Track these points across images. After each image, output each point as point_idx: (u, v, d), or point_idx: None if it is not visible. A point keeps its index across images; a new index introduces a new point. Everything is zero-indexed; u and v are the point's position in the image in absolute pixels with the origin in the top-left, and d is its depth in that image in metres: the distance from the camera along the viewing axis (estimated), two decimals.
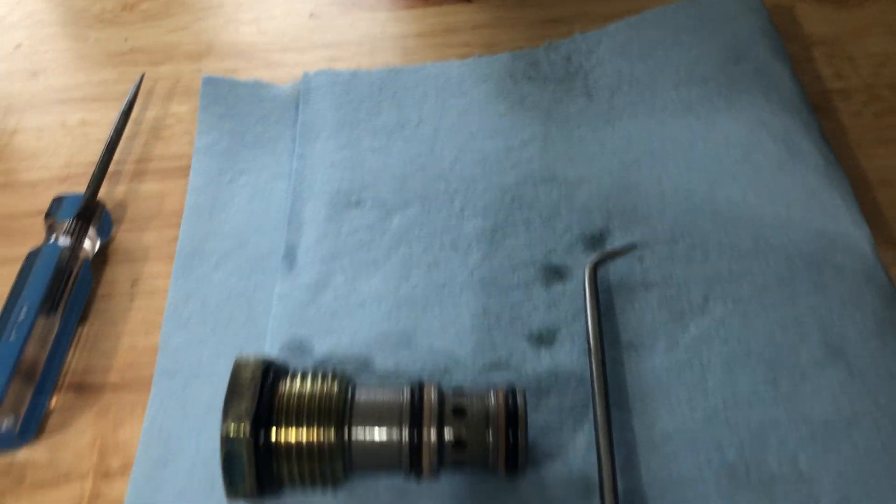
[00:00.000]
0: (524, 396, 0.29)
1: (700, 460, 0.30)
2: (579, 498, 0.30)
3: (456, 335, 0.35)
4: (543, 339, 0.34)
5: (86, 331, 0.37)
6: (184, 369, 0.35)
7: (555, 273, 0.36)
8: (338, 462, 0.28)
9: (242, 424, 0.27)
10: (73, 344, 0.37)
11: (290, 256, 0.38)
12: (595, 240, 0.37)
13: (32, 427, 0.33)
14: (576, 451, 0.31)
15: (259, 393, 0.28)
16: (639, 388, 0.32)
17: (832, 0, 0.48)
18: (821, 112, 0.41)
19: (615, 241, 0.36)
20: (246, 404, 0.28)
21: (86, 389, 0.35)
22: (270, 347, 0.35)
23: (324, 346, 0.35)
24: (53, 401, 0.35)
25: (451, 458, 0.29)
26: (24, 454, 0.33)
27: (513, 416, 0.29)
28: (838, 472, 0.28)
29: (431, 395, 0.29)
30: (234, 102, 0.45)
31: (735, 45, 0.43)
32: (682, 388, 0.32)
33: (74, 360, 0.36)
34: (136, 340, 0.37)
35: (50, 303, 0.35)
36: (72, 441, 0.33)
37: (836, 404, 0.30)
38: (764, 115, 0.39)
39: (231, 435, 0.27)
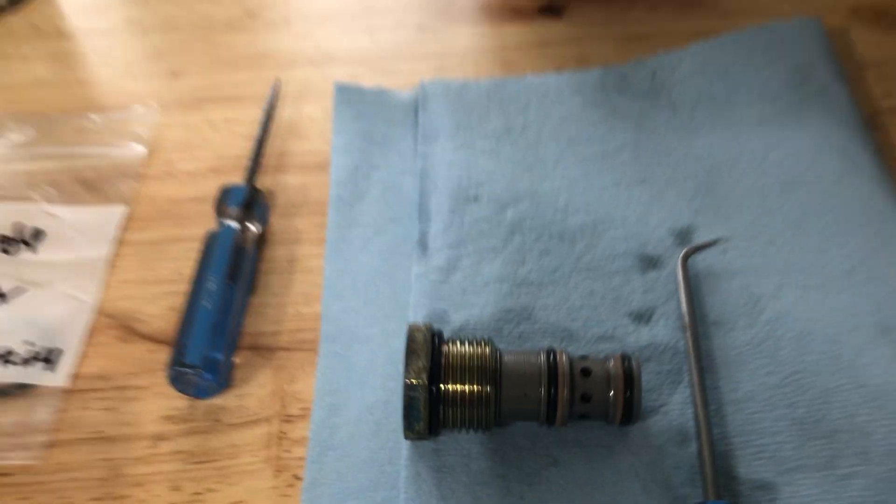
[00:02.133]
0: (638, 362, 0.36)
1: (775, 415, 0.37)
2: (676, 444, 0.37)
3: (568, 312, 0.42)
4: (642, 316, 0.42)
5: (255, 301, 0.45)
6: (344, 334, 0.42)
7: (649, 262, 0.43)
8: (490, 411, 0.36)
9: (422, 377, 0.35)
10: (247, 314, 0.44)
11: (422, 243, 0.45)
12: (683, 234, 0.44)
13: (226, 378, 0.41)
14: (673, 406, 0.38)
15: (431, 353, 0.36)
16: (723, 359, 0.39)
17: (882, 26, 0.54)
18: (874, 129, 0.48)
19: (701, 236, 0.44)
20: (423, 362, 0.35)
21: (261, 349, 0.43)
22: (414, 317, 0.42)
23: (459, 317, 0.42)
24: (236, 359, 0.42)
25: (578, 410, 0.36)
26: (217, 401, 0.41)
27: (629, 377, 0.36)
28: (890, 427, 0.36)
29: (563, 360, 0.37)
30: (362, 106, 0.52)
31: (801, 67, 0.50)
32: (760, 358, 0.39)
33: (248, 326, 0.44)
34: (299, 309, 0.44)
35: (231, 275, 0.43)
36: (255, 391, 0.41)
37: (887, 374, 0.37)
38: (826, 131, 0.46)
39: (413, 385, 0.35)
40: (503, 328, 0.42)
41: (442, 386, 0.36)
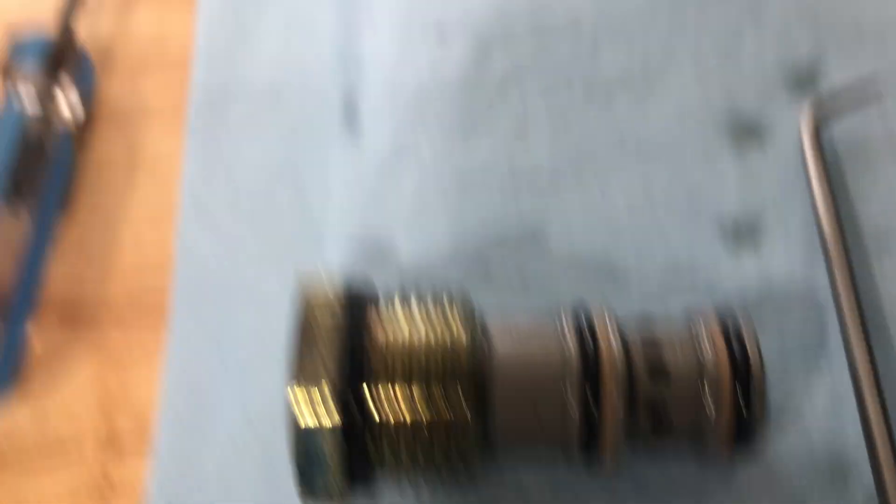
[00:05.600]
0: (754, 335, 0.18)
1: None
2: (824, 486, 0.19)
3: (607, 227, 0.24)
4: (741, 232, 0.23)
5: (71, 232, 0.26)
6: (216, 287, 0.24)
7: (746, 130, 0.25)
8: (470, 447, 0.18)
9: (324, 410, 0.17)
10: (54, 253, 0.26)
11: (350, 114, 0.26)
12: (802, 75, 0.25)
13: (8, 371, 0.23)
14: (813, 414, 0.20)
15: (347, 346, 0.18)
16: None
17: None
18: None
19: (832, 76, 0.25)
20: (330, 368, 0.17)
21: (77, 318, 0.25)
22: (333, 251, 0.24)
23: (412, 245, 0.24)
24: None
25: (645, 442, 0.19)
26: None
27: (743, 371, 0.18)
28: None
29: (612, 342, 0.18)
30: None
31: None
32: None
33: (59, 277, 0.25)
34: (141, 235, 0.26)
35: (16, 192, 0.24)
36: (60, 394, 0.23)
37: None
38: None
39: (307, 427, 0.17)
40: (490, 262, 0.23)
41: (374, 407, 0.18)
